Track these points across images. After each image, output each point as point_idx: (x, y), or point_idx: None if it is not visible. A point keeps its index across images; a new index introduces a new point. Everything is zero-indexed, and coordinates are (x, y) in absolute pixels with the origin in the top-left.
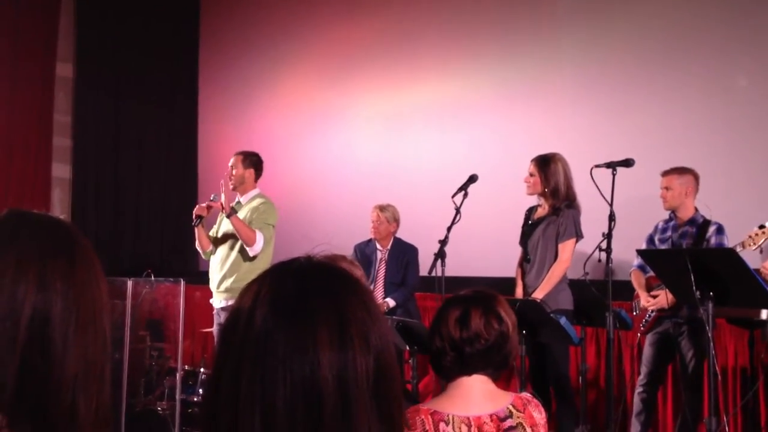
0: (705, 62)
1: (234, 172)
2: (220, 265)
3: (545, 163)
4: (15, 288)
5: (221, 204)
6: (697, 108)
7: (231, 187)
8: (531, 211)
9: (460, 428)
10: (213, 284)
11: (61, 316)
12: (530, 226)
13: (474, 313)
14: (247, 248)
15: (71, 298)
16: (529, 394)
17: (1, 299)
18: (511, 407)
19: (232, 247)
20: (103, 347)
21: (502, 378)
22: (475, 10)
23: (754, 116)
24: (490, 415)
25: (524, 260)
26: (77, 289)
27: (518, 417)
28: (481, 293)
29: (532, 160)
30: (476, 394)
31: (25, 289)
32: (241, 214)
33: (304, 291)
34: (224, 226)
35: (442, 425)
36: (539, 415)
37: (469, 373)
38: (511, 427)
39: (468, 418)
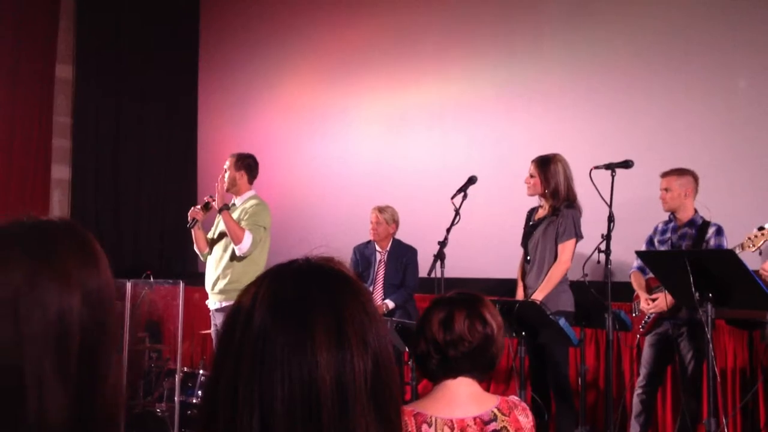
0: (705, 63)
1: (227, 173)
2: (214, 266)
3: (545, 164)
4: (60, 300)
5: (213, 199)
6: (698, 109)
7: (225, 188)
8: (532, 211)
9: (443, 430)
10: (208, 286)
11: (105, 327)
12: (531, 226)
13: (458, 315)
14: (235, 247)
15: (103, 306)
16: (516, 398)
17: (51, 315)
18: (496, 410)
19: (226, 249)
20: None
21: (502, 379)
22: (476, 12)
23: (755, 117)
24: (474, 418)
25: (525, 261)
26: (106, 294)
27: (503, 420)
28: (466, 295)
29: (532, 161)
30: (461, 397)
31: (69, 302)
32: (235, 215)
33: (303, 292)
34: (220, 227)
35: (424, 427)
36: (525, 419)
37: (454, 375)
38: (495, 431)
39: (451, 421)
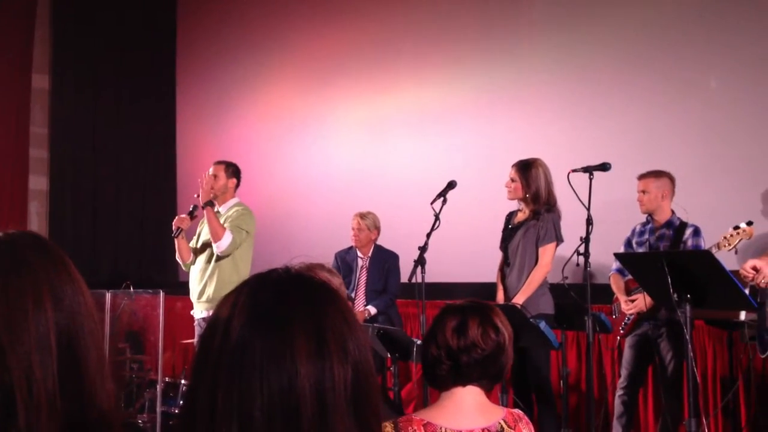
0: (682, 65)
1: (217, 181)
2: (200, 275)
3: (526, 169)
4: (37, 312)
5: (199, 195)
6: (675, 111)
7: (212, 195)
8: (511, 215)
9: None
10: (193, 295)
11: (83, 330)
12: (510, 230)
13: (471, 322)
14: (214, 245)
15: (78, 310)
16: (521, 411)
17: (29, 326)
18: (502, 422)
19: (210, 258)
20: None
21: None
22: (454, 17)
23: (733, 118)
24: (482, 429)
25: (504, 264)
26: (80, 298)
27: None
28: (478, 303)
29: (512, 166)
30: (469, 407)
31: (45, 311)
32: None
33: (282, 301)
34: (203, 236)
35: None
36: None
37: (464, 383)
38: None
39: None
